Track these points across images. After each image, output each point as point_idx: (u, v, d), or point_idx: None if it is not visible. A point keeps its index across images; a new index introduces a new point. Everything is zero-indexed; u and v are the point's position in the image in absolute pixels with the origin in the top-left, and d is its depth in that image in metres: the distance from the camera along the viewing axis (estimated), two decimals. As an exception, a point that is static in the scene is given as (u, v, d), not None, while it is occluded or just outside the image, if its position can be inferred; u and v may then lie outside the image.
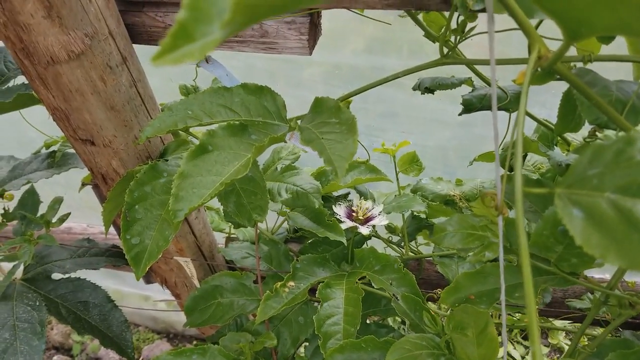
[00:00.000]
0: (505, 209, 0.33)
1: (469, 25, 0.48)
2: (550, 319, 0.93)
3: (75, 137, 0.56)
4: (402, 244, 0.88)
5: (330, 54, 1.02)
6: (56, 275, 0.86)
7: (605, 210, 0.20)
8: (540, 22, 0.47)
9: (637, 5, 0.17)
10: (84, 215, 1.19)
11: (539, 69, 0.32)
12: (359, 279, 0.67)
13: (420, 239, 0.95)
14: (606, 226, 0.20)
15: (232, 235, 1.02)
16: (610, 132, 0.53)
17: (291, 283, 0.67)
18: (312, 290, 0.68)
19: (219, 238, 1.01)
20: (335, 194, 0.89)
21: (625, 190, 0.20)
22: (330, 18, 0.59)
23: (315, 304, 0.77)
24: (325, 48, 1.00)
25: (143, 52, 0.57)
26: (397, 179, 0.87)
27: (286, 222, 0.93)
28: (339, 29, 0.99)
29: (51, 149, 0.91)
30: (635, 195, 0.20)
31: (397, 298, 0.61)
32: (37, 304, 0.79)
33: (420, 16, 0.58)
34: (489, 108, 0.52)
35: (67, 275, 0.86)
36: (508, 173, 0.52)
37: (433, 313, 0.60)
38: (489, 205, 0.33)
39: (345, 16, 0.56)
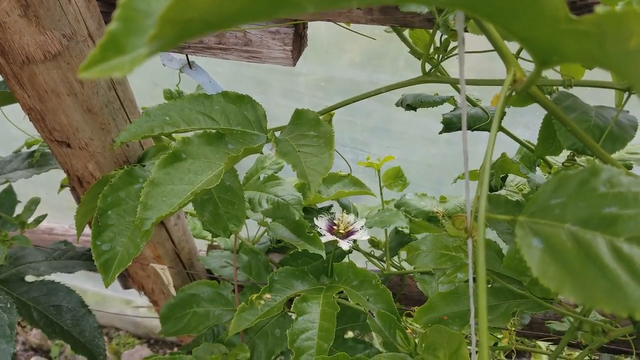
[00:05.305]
0: (475, 231, 0.33)
1: (453, 44, 0.48)
2: (533, 340, 0.92)
3: (51, 138, 0.55)
4: (384, 259, 0.87)
5: (325, 64, 1.01)
6: (30, 278, 0.84)
7: (564, 242, 0.20)
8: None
9: (598, 36, 0.17)
10: (66, 217, 1.17)
11: (514, 93, 0.31)
12: (337, 293, 0.66)
13: (403, 254, 0.94)
14: (564, 259, 0.19)
15: (215, 243, 1.00)
16: (591, 158, 0.53)
17: (267, 295, 0.66)
18: (292, 301, 0.67)
19: (202, 245, 1.00)
20: (319, 205, 0.89)
21: (586, 222, 0.20)
22: (326, 29, 0.58)
23: (293, 316, 0.76)
24: (320, 59, 0.99)
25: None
26: (381, 193, 0.86)
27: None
28: (335, 40, 0.98)
29: (32, 148, 0.89)
30: (595, 228, 0.19)
31: (372, 314, 0.60)
32: (8, 306, 0.77)
33: (407, 32, 0.58)
34: (470, 128, 0.52)
35: (41, 278, 0.84)
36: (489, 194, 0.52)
37: (409, 331, 0.59)
38: (459, 228, 0.32)
39: (341, 27, 0.56)
